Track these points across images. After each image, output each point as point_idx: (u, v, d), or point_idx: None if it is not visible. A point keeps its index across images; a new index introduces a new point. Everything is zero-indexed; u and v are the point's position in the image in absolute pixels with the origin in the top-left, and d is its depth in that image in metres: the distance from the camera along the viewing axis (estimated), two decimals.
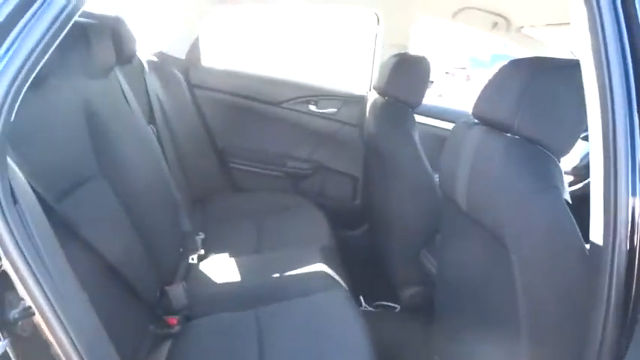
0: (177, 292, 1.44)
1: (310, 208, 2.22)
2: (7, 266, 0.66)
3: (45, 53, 0.71)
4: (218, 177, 2.39)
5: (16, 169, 0.73)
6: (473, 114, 1.20)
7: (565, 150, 1.03)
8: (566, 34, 1.91)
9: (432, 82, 1.92)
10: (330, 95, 2.39)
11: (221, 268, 1.68)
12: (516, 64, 1.10)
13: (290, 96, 2.37)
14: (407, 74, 1.82)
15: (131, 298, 1.25)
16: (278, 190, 2.41)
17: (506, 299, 1.03)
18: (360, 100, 2.35)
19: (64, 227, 0.99)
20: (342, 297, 1.49)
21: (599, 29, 0.76)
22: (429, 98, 2.00)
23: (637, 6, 0.77)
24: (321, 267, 1.64)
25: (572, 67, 0.99)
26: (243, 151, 2.42)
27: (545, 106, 1.00)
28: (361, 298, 2.05)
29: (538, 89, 0.99)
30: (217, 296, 1.53)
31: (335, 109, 2.39)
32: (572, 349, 0.92)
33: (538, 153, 1.01)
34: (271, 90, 2.38)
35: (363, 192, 2.45)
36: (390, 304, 2.06)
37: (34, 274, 0.68)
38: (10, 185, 0.68)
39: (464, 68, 9.13)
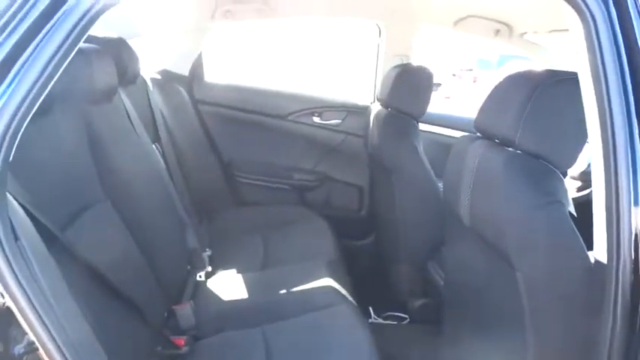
0: (185, 312, 1.44)
1: (316, 220, 2.22)
2: (9, 302, 0.67)
3: (46, 85, 0.72)
4: (224, 192, 2.40)
5: (16, 203, 0.74)
6: (475, 127, 1.19)
7: (568, 163, 1.02)
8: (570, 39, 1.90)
9: (440, 84, 1.91)
10: (334, 107, 2.39)
11: (228, 286, 1.68)
12: (517, 78, 1.09)
13: (294, 108, 2.38)
14: (409, 85, 1.81)
15: (138, 321, 1.25)
16: (284, 203, 2.41)
17: (513, 314, 1.02)
18: (364, 111, 2.35)
19: (68, 253, 1.00)
20: (350, 312, 1.48)
21: (597, 47, 0.75)
22: (437, 101, 1.99)
23: (634, 22, 0.76)
24: (327, 282, 1.63)
25: (573, 80, 0.98)
26: (248, 165, 2.43)
27: (547, 120, 0.99)
28: (370, 309, 2.04)
29: (539, 103, 0.98)
30: (225, 314, 1.53)
31: (339, 120, 2.39)
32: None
33: (540, 167, 1.00)
34: (275, 103, 2.38)
35: (369, 202, 2.44)
36: (400, 314, 2.05)
37: (35, 310, 0.68)
38: (11, 221, 0.69)
39: (471, 70, 9.10)
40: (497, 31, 2.02)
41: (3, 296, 0.66)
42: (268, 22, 2.20)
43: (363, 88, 2.44)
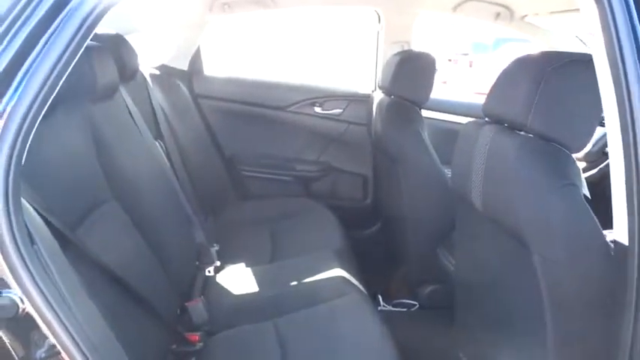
0: (197, 308, 1.44)
1: (321, 210, 2.22)
2: (29, 308, 0.66)
3: (56, 85, 0.71)
4: (228, 186, 2.39)
5: (30, 207, 0.73)
6: (483, 112, 1.18)
7: (581, 146, 1.01)
8: (571, 20, 1.88)
9: (436, 70, 1.89)
10: (335, 96, 2.38)
11: (238, 280, 1.68)
12: (526, 61, 1.08)
13: (295, 99, 2.36)
14: (411, 72, 1.80)
15: (152, 319, 1.25)
16: (289, 195, 2.40)
17: (531, 299, 1.02)
18: (366, 99, 2.33)
19: (80, 254, 0.99)
20: (361, 301, 1.49)
21: (612, 27, 0.74)
22: (434, 86, 1.97)
23: None
24: (337, 272, 1.63)
25: (582, 61, 0.97)
26: (251, 158, 2.42)
27: (559, 103, 0.98)
28: (379, 297, 2.04)
29: (550, 85, 0.97)
30: (236, 308, 1.53)
31: (341, 110, 2.38)
32: (600, 349, 0.91)
33: (553, 150, 0.99)
34: (276, 95, 2.37)
35: (374, 191, 2.44)
36: (409, 301, 2.05)
37: (56, 314, 0.68)
38: (27, 226, 0.68)
39: (466, 54, 9.05)
40: (498, 15, 2.00)
41: (23, 302, 0.65)
42: (266, 13, 2.17)
43: (363, 77, 2.42)
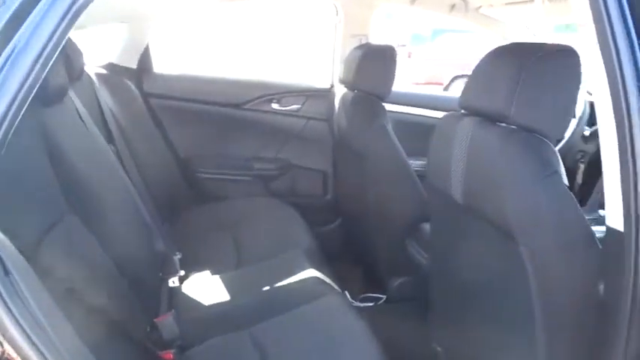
0: (167, 323, 1.35)
1: (284, 209, 2.16)
2: (9, 349, 0.57)
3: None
4: (185, 189, 2.28)
5: (2, 235, 0.64)
6: (461, 105, 1.18)
7: (559, 134, 1.03)
8: (524, 11, 1.94)
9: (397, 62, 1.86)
10: (292, 91, 2.32)
11: (206, 289, 1.59)
12: (503, 54, 1.08)
13: (251, 96, 2.29)
14: (374, 66, 1.78)
15: (121, 339, 1.15)
16: (248, 195, 2.32)
17: (517, 290, 1.02)
18: (325, 94, 2.30)
19: (45, 273, 0.89)
20: (339, 301, 1.45)
21: (605, 16, 0.74)
22: None
23: None
24: (310, 272, 1.59)
25: (559, 51, 0.99)
26: (208, 159, 2.32)
27: (539, 93, 0.98)
28: (347, 293, 2.02)
29: (530, 76, 0.97)
30: (209, 320, 1.45)
31: (299, 105, 2.33)
32: (592, 338, 0.93)
33: (535, 141, 0.99)
34: (231, 92, 2.28)
35: (334, 186, 2.41)
36: (375, 295, 2.04)
37: (37, 349, 0.59)
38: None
39: (404, 45, 9.24)
40: (453, 6, 2.02)
41: (2, 344, 0.56)
42: (221, 6, 2.07)
43: (321, 71, 2.38)
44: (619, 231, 0.79)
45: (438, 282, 1.45)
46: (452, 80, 8.73)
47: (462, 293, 1.30)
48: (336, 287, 1.57)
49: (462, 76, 8.73)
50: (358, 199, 1.97)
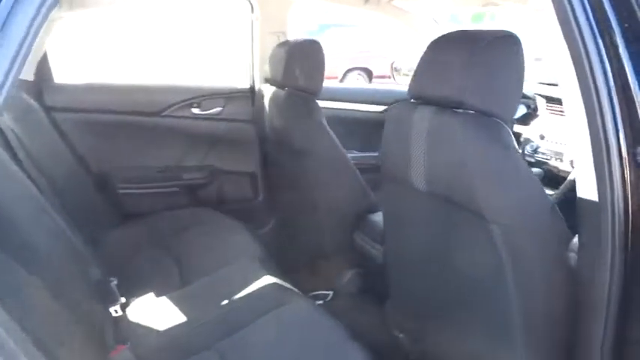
0: (124, 357, 1.22)
1: (220, 217, 2.07)
2: None
3: None
4: (106, 208, 2.08)
5: None
6: (412, 95, 1.20)
7: (511, 115, 1.09)
8: (431, 3, 2.04)
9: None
10: (212, 94, 2.22)
11: (156, 313, 1.47)
12: (450, 41, 1.12)
13: (168, 102, 2.15)
14: (304, 62, 1.76)
15: None
16: (177, 207, 2.18)
17: (490, 268, 1.07)
18: (246, 94, 2.23)
19: None
20: (305, 304, 1.43)
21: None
22: None
23: None
24: (267, 279, 1.54)
25: (504, 36, 1.05)
26: (126, 173, 2.14)
27: (490, 77, 1.04)
28: None
29: (481, 62, 1.02)
30: (169, 346, 1.33)
31: (220, 108, 2.23)
32: (569, 306, 1.00)
33: (492, 123, 1.05)
34: (146, 99, 2.12)
35: (265, 187, 2.36)
36: (322, 292, 2.04)
37: None
38: None
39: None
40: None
41: None
42: (127, 8, 1.91)
43: (239, 71, 2.30)
44: (593, 201, 0.86)
45: (397, 270, 1.48)
46: (345, 73, 9.02)
47: (426, 278, 1.33)
48: (296, 290, 1.53)
49: (355, 68, 9.07)
50: (298, 197, 1.95)
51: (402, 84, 2.70)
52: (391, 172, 1.29)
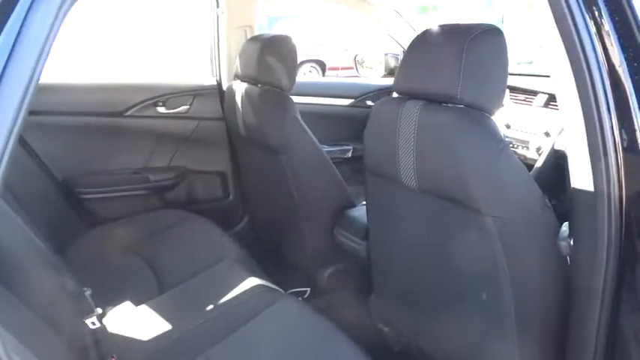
0: None
1: (193, 218, 2.01)
2: None
3: None
4: (71, 216, 1.97)
5: None
6: (396, 90, 1.20)
7: (497, 109, 1.11)
8: None
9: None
10: (178, 92, 2.14)
11: (137, 323, 1.41)
12: (438, 36, 1.12)
13: (132, 101, 2.05)
14: (277, 57, 1.72)
15: None
16: (146, 210, 2.10)
17: (484, 260, 1.09)
18: (213, 91, 2.17)
19: None
20: (293, 303, 1.42)
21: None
22: None
23: None
24: (252, 281, 1.51)
25: (489, 30, 1.06)
26: (90, 177, 2.04)
27: (479, 72, 1.05)
28: None
29: (471, 56, 1.03)
30: (157, 356, 1.29)
31: (187, 106, 2.16)
32: (562, 294, 1.03)
33: (482, 116, 1.06)
34: (108, 99, 2.02)
35: (236, 186, 2.31)
36: (299, 289, 2.02)
37: None
38: None
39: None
40: None
41: None
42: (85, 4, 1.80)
43: (205, 67, 2.24)
44: (589, 191, 0.89)
45: (383, 265, 1.49)
46: (298, 65, 8.97)
47: (415, 272, 1.35)
48: (280, 290, 1.52)
49: (307, 61, 9.03)
50: (273, 194, 1.92)
51: (365, 76, 2.72)
52: (377, 168, 1.29)
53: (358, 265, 1.71)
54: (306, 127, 1.72)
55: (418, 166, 1.13)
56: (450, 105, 1.08)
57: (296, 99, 1.78)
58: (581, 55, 0.85)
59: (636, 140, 0.88)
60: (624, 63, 0.85)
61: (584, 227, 0.93)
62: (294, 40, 1.74)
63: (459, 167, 1.04)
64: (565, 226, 1.04)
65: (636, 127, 0.88)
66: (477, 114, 1.05)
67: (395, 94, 1.24)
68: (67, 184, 1.98)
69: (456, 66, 1.03)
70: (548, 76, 2.05)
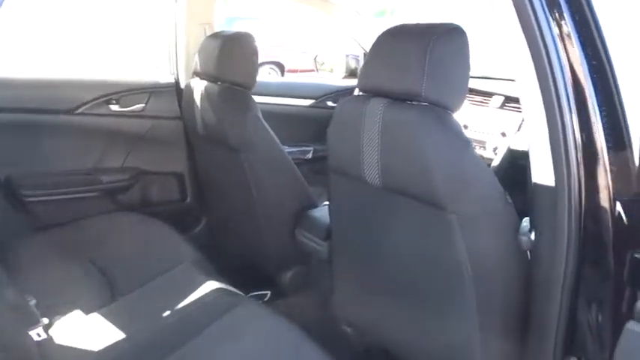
0: None
1: (148, 221, 1.93)
2: None
3: None
4: (13, 220, 1.85)
5: None
6: (363, 88, 1.19)
7: (459, 107, 1.11)
8: None
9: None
10: (133, 89, 2.05)
11: (89, 332, 1.33)
12: (401, 34, 1.12)
13: (84, 99, 1.95)
14: (238, 55, 1.68)
15: None
16: (97, 213, 2.00)
17: (447, 257, 1.09)
18: (170, 89, 2.09)
19: None
20: (252, 306, 1.38)
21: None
22: None
23: None
24: (211, 285, 1.46)
25: (452, 29, 1.07)
26: (35, 179, 1.92)
27: (443, 70, 1.05)
28: None
29: (435, 54, 1.03)
30: None
31: (142, 105, 2.07)
32: (522, 293, 1.04)
33: (445, 114, 1.07)
34: (58, 96, 1.91)
35: (194, 187, 2.24)
36: (259, 292, 1.98)
37: None
38: None
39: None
40: None
41: None
42: None
43: (162, 64, 2.16)
44: (549, 186, 0.90)
45: (345, 265, 1.47)
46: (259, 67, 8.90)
47: (378, 271, 1.34)
48: (240, 292, 1.47)
49: (267, 62, 8.97)
50: (233, 195, 1.87)
51: (325, 78, 2.71)
52: (341, 167, 1.27)
53: (320, 266, 1.68)
54: (267, 126, 1.69)
55: (382, 164, 1.12)
56: (414, 103, 1.07)
57: (256, 99, 1.75)
58: (544, 56, 0.87)
59: (594, 137, 0.90)
60: (584, 62, 0.87)
61: (546, 222, 0.95)
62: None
63: (424, 164, 1.03)
64: (525, 222, 1.06)
65: (594, 123, 0.89)
66: (441, 112, 1.05)
67: (358, 93, 1.23)
68: (8, 185, 1.86)
69: (420, 64, 1.03)
70: (504, 79, 2.12)
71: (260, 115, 1.68)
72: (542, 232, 0.97)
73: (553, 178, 0.90)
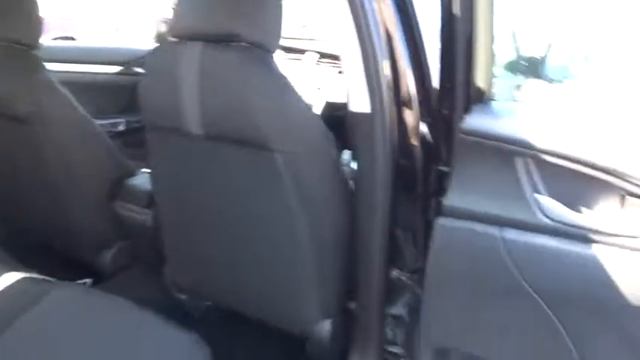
0: None
1: None
2: None
3: None
4: None
5: None
6: (175, 33, 1.11)
7: (276, 48, 1.12)
8: None
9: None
10: None
11: None
12: None
13: None
14: (14, 6, 1.41)
15: None
16: None
17: (276, 200, 1.10)
18: None
19: None
20: (70, 289, 1.21)
21: None
22: None
23: None
24: (14, 275, 1.22)
25: None
26: None
27: (257, 10, 1.04)
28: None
29: None
30: None
31: None
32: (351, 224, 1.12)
33: (265, 55, 1.07)
34: None
35: None
36: (80, 281, 1.76)
37: None
38: None
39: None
40: None
41: None
42: None
43: None
44: (366, 113, 0.98)
45: (172, 230, 1.38)
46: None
47: (208, 229, 1.29)
48: (53, 280, 1.28)
49: (58, 38, 7.89)
50: (29, 176, 1.60)
51: (126, 43, 2.50)
52: (158, 121, 1.18)
53: (145, 237, 1.57)
54: (64, 90, 1.47)
55: (203, 110, 1.07)
56: (232, 44, 1.04)
57: (52, 66, 1.51)
58: (362, 17, 0.96)
59: (399, 78, 1.04)
60: (396, 16, 0.98)
61: (365, 150, 1.03)
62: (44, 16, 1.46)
63: (247, 105, 1.02)
64: (345, 154, 1.14)
65: (402, 66, 1.03)
66: (262, 53, 1.05)
67: (171, 39, 1.14)
68: None
69: (235, 4, 1.00)
70: (316, 40, 2.24)
71: (54, 79, 1.45)
72: (363, 159, 1.05)
73: (370, 111, 0.99)
